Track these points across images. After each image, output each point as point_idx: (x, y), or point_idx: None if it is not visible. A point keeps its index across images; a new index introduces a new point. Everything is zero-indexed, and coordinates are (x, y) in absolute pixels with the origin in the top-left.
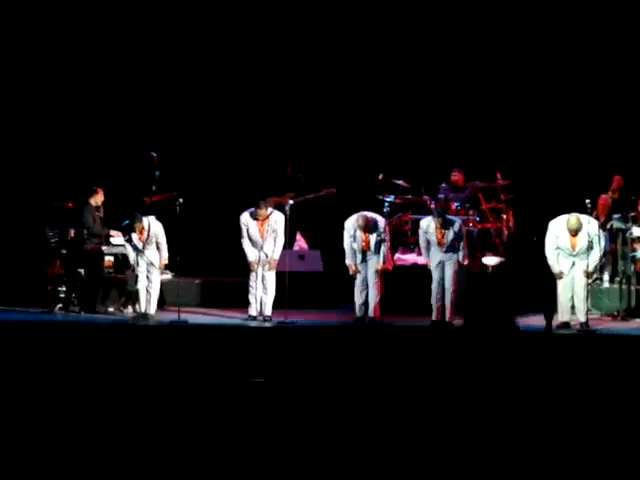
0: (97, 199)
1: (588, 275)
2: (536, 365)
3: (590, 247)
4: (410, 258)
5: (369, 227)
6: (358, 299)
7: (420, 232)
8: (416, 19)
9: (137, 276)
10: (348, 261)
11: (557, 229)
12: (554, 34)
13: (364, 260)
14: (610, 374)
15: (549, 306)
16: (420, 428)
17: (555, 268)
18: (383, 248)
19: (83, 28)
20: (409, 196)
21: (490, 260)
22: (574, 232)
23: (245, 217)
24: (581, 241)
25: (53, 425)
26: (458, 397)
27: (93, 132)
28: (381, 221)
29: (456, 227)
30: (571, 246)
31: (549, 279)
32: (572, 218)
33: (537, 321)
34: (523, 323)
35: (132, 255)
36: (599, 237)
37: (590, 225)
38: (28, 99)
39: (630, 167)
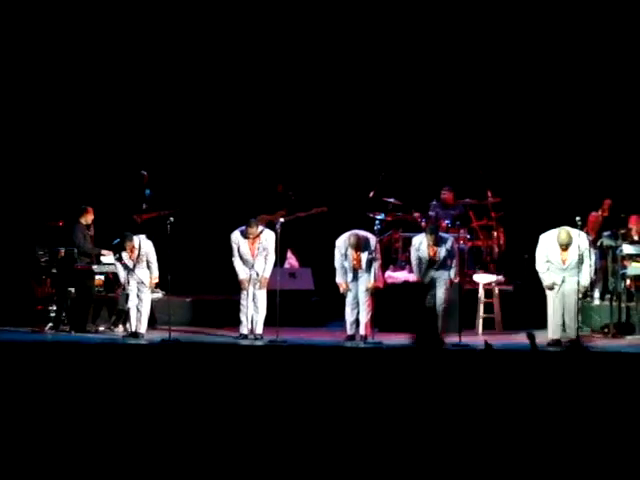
0: (87, 218)
1: (582, 290)
2: (527, 383)
3: (580, 261)
4: (401, 276)
5: (360, 245)
6: (349, 317)
7: (412, 249)
8: (405, 39)
9: (128, 295)
10: (339, 279)
11: (547, 243)
12: (542, 54)
13: (355, 278)
14: (601, 391)
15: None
16: (411, 446)
17: (546, 280)
18: (374, 266)
19: (74, 47)
20: (400, 214)
21: (481, 277)
22: (564, 246)
23: (236, 235)
24: (571, 255)
25: (44, 445)
26: (449, 415)
27: (83, 151)
28: (372, 239)
29: (448, 244)
30: (561, 260)
31: (537, 296)
32: (562, 232)
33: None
34: (514, 341)
35: (123, 274)
36: (589, 251)
37: (580, 239)
38: (18, 118)
39: (620, 185)
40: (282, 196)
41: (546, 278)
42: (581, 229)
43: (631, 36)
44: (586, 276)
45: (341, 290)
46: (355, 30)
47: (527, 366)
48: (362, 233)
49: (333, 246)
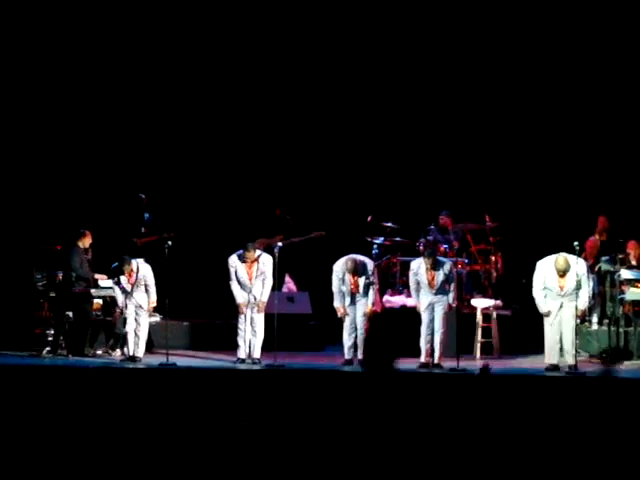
0: (85, 242)
1: (580, 315)
2: (525, 407)
3: (578, 287)
4: (399, 300)
5: (358, 270)
6: (347, 341)
7: (410, 274)
8: (402, 64)
9: (125, 319)
10: (336, 304)
11: (545, 269)
12: (537, 78)
13: (353, 302)
14: (599, 417)
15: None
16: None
17: (542, 308)
18: (372, 291)
19: (74, 70)
20: (398, 238)
21: (479, 302)
22: (562, 273)
23: (233, 259)
24: (569, 282)
25: (42, 469)
26: (446, 440)
27: (82, 174)
28: (370, 264)
29: (446, 269)
30: (559, 287)
31: (535, 321)
32: (560, 259)
33: (528, 363)
34: (512, 365)
35: (120, 298)
36: (587, 277)
37: (578, 266)
38: (16, 141)
39: (617, 209)
40: (280, 220)
41: (542, 306)
42: (579, 254)
43: (627, 58)
44: (584, 301)
45: (339, 314)
46: (354, 56)
47: (526, 391)
48: (359, 258)
49: (331, 270)
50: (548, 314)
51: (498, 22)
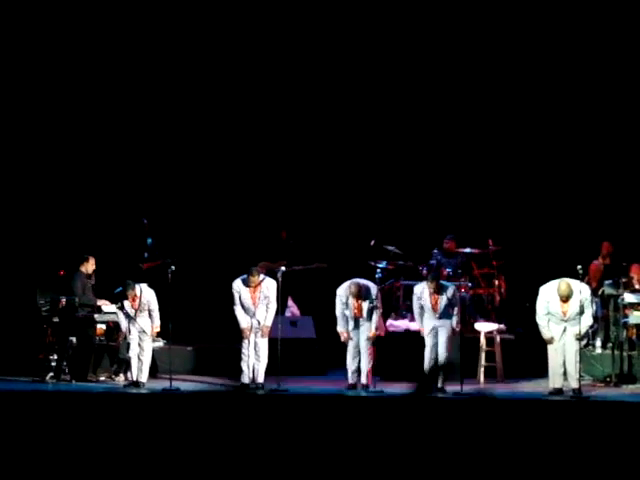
0: (88, 267)
1: (579, 338)
2: (529, 431)
3: (581, 312)
4: (402, 324)
5: (361, 294)
6: (351, 365)
7: (414, 298)
8: (400, 85)
9: (129, 344)
10: (340, 328)
11: (548, 294)
12: (536, 97)
13: (356, 327)
14: (603, 441)
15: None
16: None
17: (546, 334)
18: (375, 315)
19: (73, 88)
20: (401, 262)
21: (482, 326)
22: (565, 298)
23: (237, 284)
24: (572, 307)
25: None
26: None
27: (84, 199)
28: (373, 288)
29: (450, 293)
30: (562, 312)
31: (538, 345)
32: (562, 284)
33: (530, 387)
34: (516, 390)
35: (124, 323)
36: (590, 302)
37: (582, 291)
38: (18, 165)
39: (620, 233)
40: (285, 244)
41: (546, 332)
42: (582, 278)
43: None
44: (584, 325)
45: (342, 339)
46: (353, 73)
47: (530, 415)
48: (363, 282)
49: (334, 294)
50: (551, 340)
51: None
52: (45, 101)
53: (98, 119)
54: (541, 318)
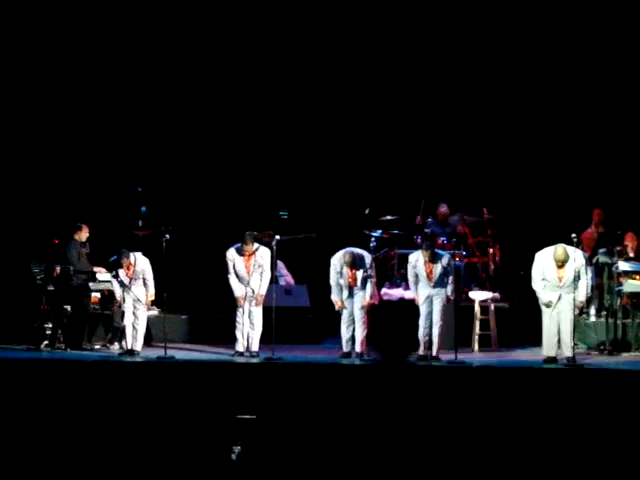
0: (82, 235)
1: (578, 307)
2: (523, 399)
3: (577, 278)
4: (397, 293)
5: (355, 263)
6: (345, 334)
7: (409, 267)
8: (396, 57)
9: (123, 312)
10: (334, 297)
11: (543, 260)
12: (533, 68)
13: (350, 295)
14: (598, 408)
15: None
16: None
17: (543, 298)
18: (370, 284)
19: (70, 64)
20: (396, 231)
21: (477, 294)
22: (561, 263)
23: (231, 253)
24: (568, 273)
25: (41, 462)
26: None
27: (78, 168)
28: (367, 257)
29: (444, 261)
30: (558, 278)
31: (533, 313)
32: (559, 249)
33: (526, 356)
34: (510, 358)
35: (118, 291)
36: (586, 268)
37: (576, 256)
38: (12, 136)
39: (615, 202)
40: (271, 216)
41: (543, 296)
42: (577, 246)
43: (624, 53)
44: (583, 292)
45: (336, 307)
46: (347, 54)
47: (524, 383)
48: (357, 251)
49: (328, 263)
50: (549, 304)
51: (491, 14)
52: (39, 71)
53: (91, 88)
54: (537, 283)
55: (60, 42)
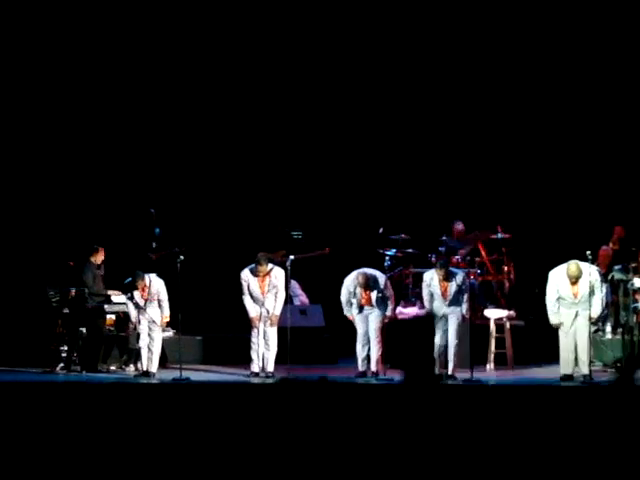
0: (97, 258)
1: (593, 322)
2: (540, 418)
3: (592, 294)
4: (412, 311)
5: (369, 284)
6: (360, 353)
7: (424, 285)
8: (409, 74)
9: (139, 334)
10: (346, 312)
11: (557, 278)
12: (548, 84)
13: (360, 312)
14: (615, 426)
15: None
16: None
17: (553, 319)
18: (390, 305)
19: (82, 83)
20: (410, 250)
21: (492, 313)
22: (574, 279)
23: (245, 273)
24: (582, 289)
25: None
26: (461, 453)
27: (92, 190)
28: (381, 277)
29: (459, 279)
30: (572, 294)
31: (549, 331)
32: (572, 265)
33: (542, 374)
34: (526, 376)
35: (134, 313)
36: (600, 284)
37: (591, 273)
38: (28, 158)
39: (630, 218)
40: (283, 235)
41: (553, 317)
42: (592, 263)
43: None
44: (597, 308)
45: (350, 319)
46: (359, 68)
47: (540, 401)
48: (370, 272)
49: (342, 283)
50: (559, 326)
51: (516, 31)
52: (53, 92)
53: (106, 109)
54: (551, 303)
55: (74, 60)
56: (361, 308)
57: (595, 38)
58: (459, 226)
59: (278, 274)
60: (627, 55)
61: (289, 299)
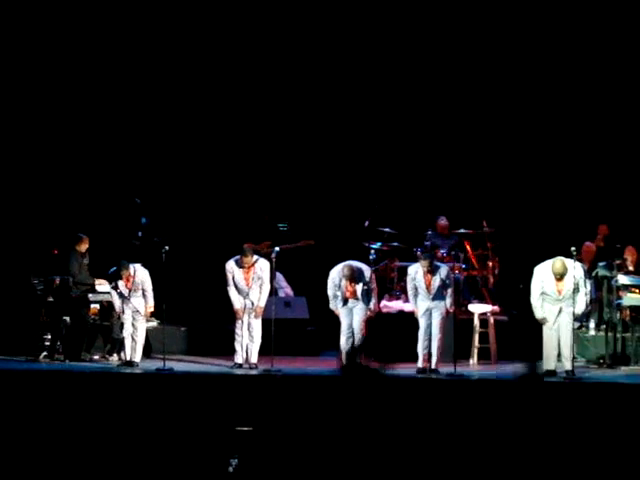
0: (82, 246)
1: (577, 317)
2: (524, 413)
3: (576, 291)
4: (396, 305)
5: (354, 277)
6: (344, 346)
7: (408, 279)
8: (396, 68)
9: (122, 324)
10: (332, 306)
11: (542, 274)
12: (533, 79)
13: (345, 305)
14: (596, 422)
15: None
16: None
17: (538, 313)
18: (373, 298)
19: (70, 73)
20: (395, 243)
21: (476, 307)
22: (559, 276)
23: (230, 265)
24: (567, 285)
25: (38, 475)
26: (444, 446)
27: (77, 178)
28: (367, 270)
29: (443, 273)
30: (557, 291)
31: (533, 326)
32: (557, 262)
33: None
34: (509, 370)
35: (118, 302)
36: (585, 281)
37: (576, 269)
38: (12, 146)
39: (615, 215)
40: (268, 226)
41: (538, 312)
42: (576, 259)
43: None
44: (581, 305)
45: (336, 313)
46: (348, 56)
47: (523, 396)
48: (356, 264)
49: (328, 276)
50: (544, 320)
51: (495, 25)
52: (39, 82)
53: (92, 98)
54: (535, 298)
55: (61, 50)
56: (345, 301)
57: (577, 39)
58: (442, 221)
59: (263, 266)
60: (609, 55)
61: (274, 291)
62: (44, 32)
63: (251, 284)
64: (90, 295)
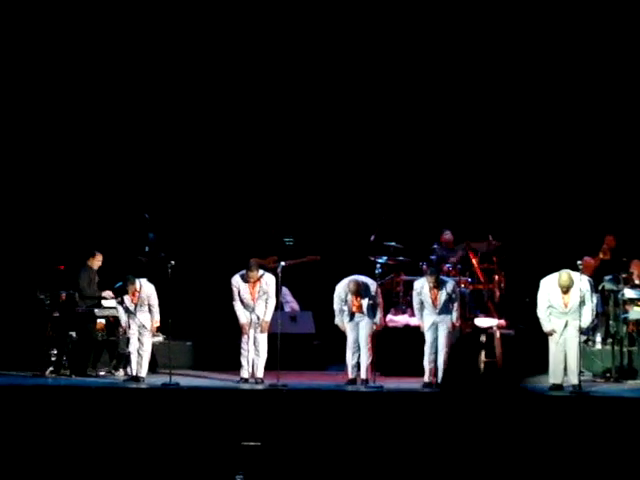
0: (94, 263)
1: (582, 332)
2: (530, 427)
3: (582, 304)
4: (402, 319)
5: (360, 291)
6: (350, 360)
7: (414, 293)
8: (401, 81)
9: (129, 339)
10: (337, 321)
11: (549, 287)
12: (537, 91)
13: (351, 319)
14: (603, 436)
15: None
16: None
17: (546, 326)
18: (379, 313)
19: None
20: (401, 257)
21: (482, 321)
22: (565, 289)
23: (236, 279)
24: (573, 298)
25: None
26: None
27: (85, 194)
28: (372, 285)
29: (449, 288)
30: (563, 304)
31: (539, 340)
32: (563, 275)
33: (529, 383)
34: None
35: (124, 317)
36: (591, 294)
37: (582, 282)
38: (21, 162)
39: (621, 228)
40: (275, 241)
41: (546, 324)
42: (582, 273)
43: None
44: (587, 317)
45: (342, 329)
46: (356, 74)
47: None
48: (362, 279)
49: (333, 290)
50: (552, 333)
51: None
52: (49, 96)
53: (101, 114)
54: (542, 311)
55: (75, 66)
56: (352, 315)
57: (589, 47)
58: (447, 235)
59: (269, 280)
60: (615, 65)
61: (280, 305)
62: (55, 50)
63: (257, 299)
64: (96, 310)
